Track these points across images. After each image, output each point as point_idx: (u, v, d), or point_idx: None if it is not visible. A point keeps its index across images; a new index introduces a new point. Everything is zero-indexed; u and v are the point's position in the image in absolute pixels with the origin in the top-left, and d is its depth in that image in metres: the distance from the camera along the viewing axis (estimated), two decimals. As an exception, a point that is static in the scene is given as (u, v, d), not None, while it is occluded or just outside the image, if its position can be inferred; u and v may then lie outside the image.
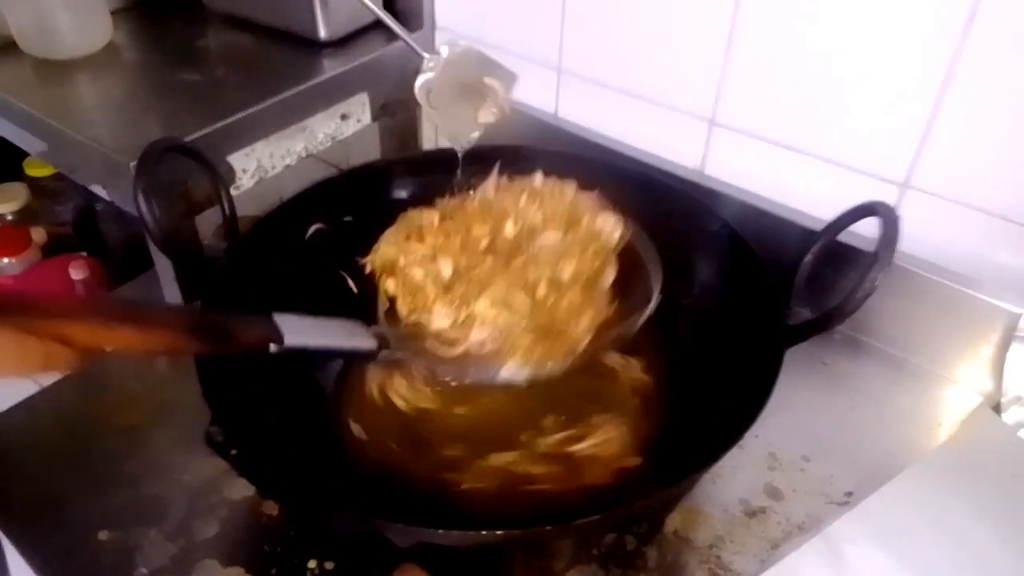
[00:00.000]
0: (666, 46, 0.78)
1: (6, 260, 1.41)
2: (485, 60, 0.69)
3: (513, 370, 0.59)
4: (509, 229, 0.64)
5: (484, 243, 0.63)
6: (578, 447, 0.61)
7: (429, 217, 0.66)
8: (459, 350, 0.59)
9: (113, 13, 0.92)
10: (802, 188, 0.76)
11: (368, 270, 0.65)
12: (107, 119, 0.81)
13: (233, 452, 0.58)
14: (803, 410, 0.68)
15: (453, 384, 0.66)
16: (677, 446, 0.59)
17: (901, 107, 0.67)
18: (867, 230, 0.69)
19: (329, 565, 0.56)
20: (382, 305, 0.64)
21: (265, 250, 0.69)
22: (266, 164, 0.85)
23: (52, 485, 0.62)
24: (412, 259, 0.63)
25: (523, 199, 0.66)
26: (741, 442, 0.52)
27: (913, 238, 0.69)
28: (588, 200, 0.67)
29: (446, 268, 0.62)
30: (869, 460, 0.64)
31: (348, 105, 0.91)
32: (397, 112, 1.00)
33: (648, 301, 0.61)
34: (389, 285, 0.64)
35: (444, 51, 0.67)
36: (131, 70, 0.90)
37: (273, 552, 0.57)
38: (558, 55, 0.87)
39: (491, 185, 0.68)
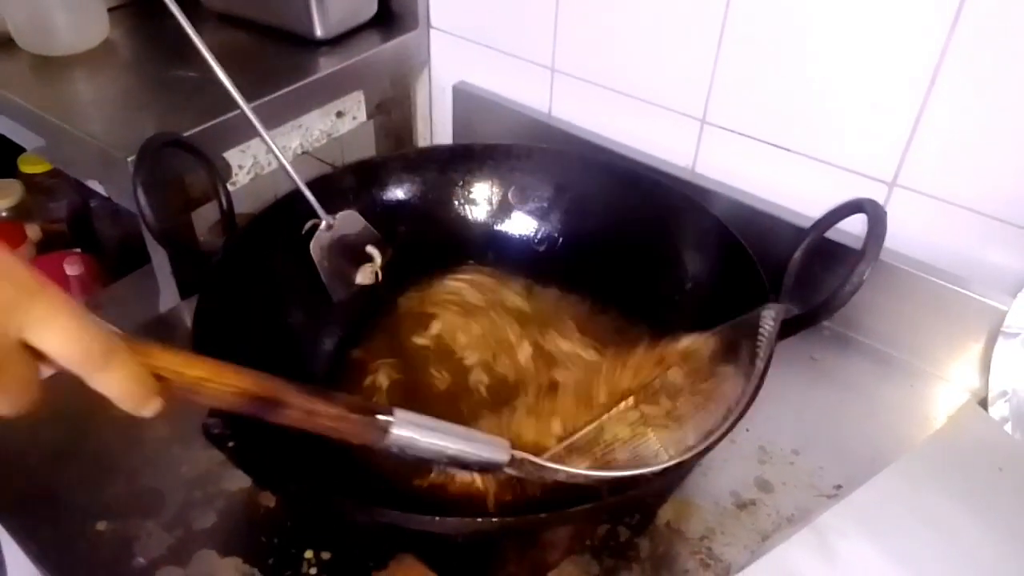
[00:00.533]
0: (658, 46, 0.79)
1: (0, 256, 1.41)
2: (369, 230, 0.75)
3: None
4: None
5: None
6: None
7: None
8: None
9: (109, 10, 0.93)
10: (792, 187, 0.77)
11: None
12: (104, 115, 0.81)
13: (230, 444, 0.58)
14: (793, 405, 0.69)
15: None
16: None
17: (889, 106, 0.68)
18: (854, 228, 0.70)
19: (326, 555, 0.57)
20: None
21: (262, 245, 0.69)
22: (262, 161, 0.86)
23: (50, 477, 0.62)
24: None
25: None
26: (732, 436, 0.53)
27: (901, 236, 0.70)
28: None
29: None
30: (858, 454, 0.65)
31: (344, 103, 0.92)
32: (392, 110, 1.01)
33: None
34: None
35: (338, 216, 0.72)
36: (127, 67, 0.90)
37: (270, 542, 0.58)
38: (551, 55, 0.88)
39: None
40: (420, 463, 0.53)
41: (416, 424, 0.46)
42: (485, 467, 0.50)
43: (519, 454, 0.50)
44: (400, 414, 0.46)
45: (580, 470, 0.53)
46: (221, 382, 0.42)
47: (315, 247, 0.71)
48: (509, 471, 0.51)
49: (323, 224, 0.71)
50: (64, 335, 0.36)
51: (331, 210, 0.73)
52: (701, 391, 0.59)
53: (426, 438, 0.47)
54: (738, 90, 0.76)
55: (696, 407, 0.58)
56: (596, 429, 0.60)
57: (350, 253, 0.74)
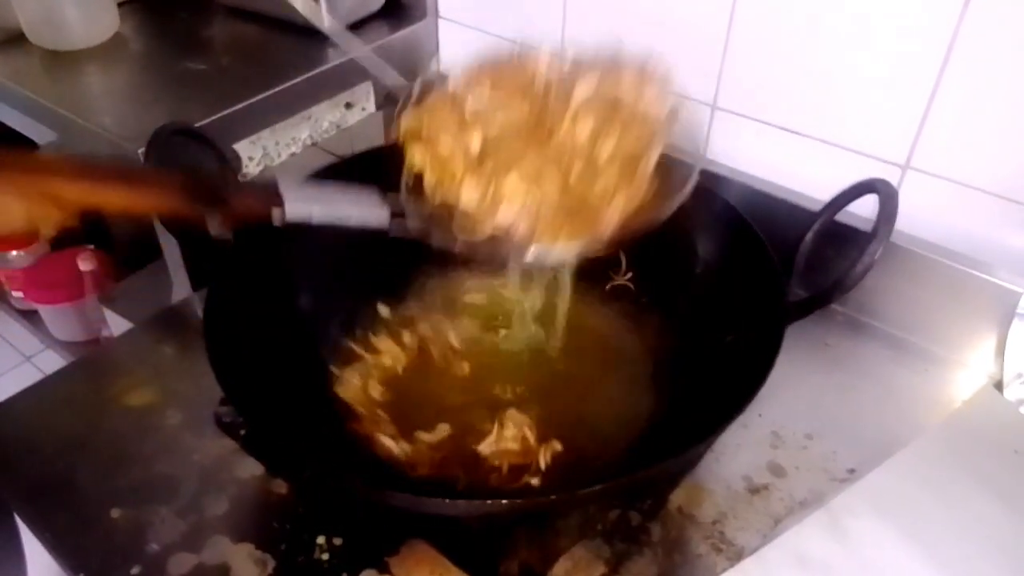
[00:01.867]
0: (668, 32, 0.79)
1: (15, 253, 1.42)
2: None
3: (540, 252, 0.55)
4: (549, 107, 0.59)
5: (520, 117, 0.58)
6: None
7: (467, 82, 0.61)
8: (485, 231, 0.56)
9: (119, 5, 0.94)
10: (804, 171, 0.76)
11: (395, 137, 0.60)
12: (115, 108, 0.82)
13: (242, 432, 0.59)
14: (806, 390, 0.69)
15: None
16: (680, 422, 0.59)
17: (901, 88, 0.68)
18: (865, 211, 0.69)
19: (337, 541, 0.57)
20: (406, 177, 0.60)
21: (273, 235, 0.69)
22: (272, 152, 0.86)
23: (63, 465, 0.63)
24: (441, 127, 0.58)
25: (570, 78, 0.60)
26: (744, 420, 0.53)
27: (914, 219, 0.69)
28: (637, 76, 0.60)
29: (476, 140, 0.57)
30: (871, 438, 0.65)
31: (352, 94, 0.92)
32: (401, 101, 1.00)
33: (684, 185, 0.57)
34: (416, 154, 0.59)
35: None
36: (138, 60, 0.91)
37: (282, 528, 0.58)
38: (561, 42, 0.87)
39: (542, 61, 0.61)
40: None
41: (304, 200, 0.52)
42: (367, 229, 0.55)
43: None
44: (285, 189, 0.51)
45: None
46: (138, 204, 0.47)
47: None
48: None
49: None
50: None
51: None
52: None
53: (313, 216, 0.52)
54: (749, 74, 0.76)
55: None
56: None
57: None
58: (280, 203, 0.50)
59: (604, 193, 0.56)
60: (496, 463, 0.61)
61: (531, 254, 0.55)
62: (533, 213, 0.55)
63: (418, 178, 0.59)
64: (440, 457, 0.62)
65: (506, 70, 0.60)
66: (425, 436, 0.63)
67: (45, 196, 0.42)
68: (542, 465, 0.60)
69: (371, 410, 0.65)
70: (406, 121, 0.60)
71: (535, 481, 0.60)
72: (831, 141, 0.74)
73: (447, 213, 0.57)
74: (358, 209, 0.55)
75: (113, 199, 0.46)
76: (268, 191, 0.50)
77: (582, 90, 0.58)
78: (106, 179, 0.45)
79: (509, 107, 0.58)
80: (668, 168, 0.58)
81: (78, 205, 0.44)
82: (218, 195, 0.49)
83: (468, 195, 0.56)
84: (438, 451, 0.62)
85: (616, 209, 0.56)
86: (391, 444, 0.62)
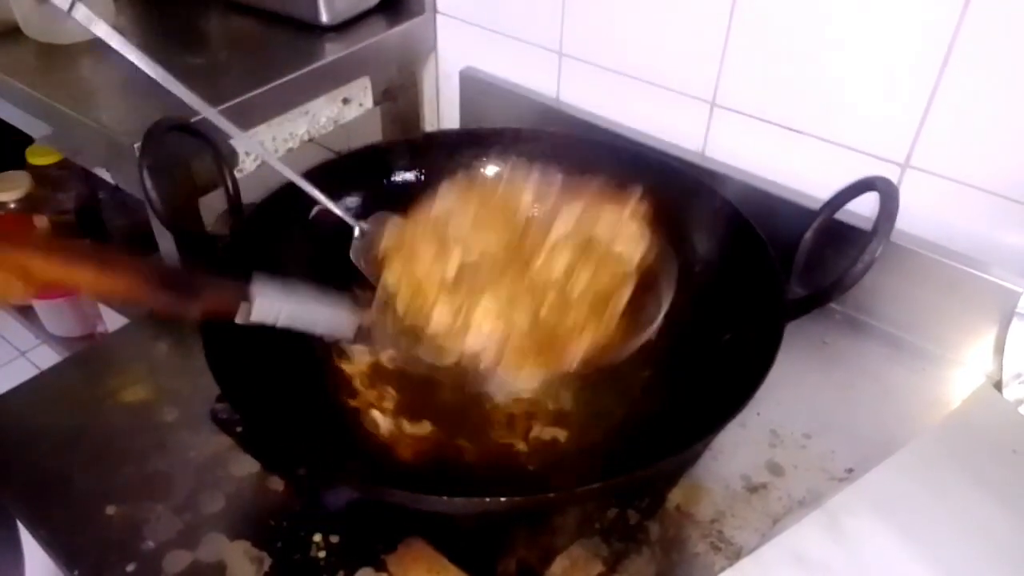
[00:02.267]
0: (667, 29, 0.79)
1: (9, 248, 1.41)
2: None
3: (502, 379, 0.59)
4: (528, 238, 0.63)
5: (498, 246, 0.62)
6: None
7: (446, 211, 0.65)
8: (452, 358, 0.59)
9: (115, -2, 0.93)
10: (803, 169, 0.76)
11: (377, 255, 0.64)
12: (110, 102, 0.81)
13: (238, 429, 0.59)
14: (804, 389, 0.69)
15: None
16: (679, 420, 0.59)
17: (901, 87, 0.67)
18: (864, 210, 0.69)
19: (334, 539, 0.57)
20: (381, 295, 0.62)
21: (269, 230, 0.69)
22: (269, 147, 0.86)
23: (59, 462, 0.62)
24: (421, 248, 0.61)
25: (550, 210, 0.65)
26: (742, 419, 0.53)
27: (914, 217, 0.69)
28: (616, 215, 0.64)
29: (453, 265, 0.60)
30: (869, 437, 0.64)
31: (350, 89, 0.92)
32: (399, 96, 1.00)
33: (650, 324, 0.60)
34: (391, 276, 0.62)
35: (369, 220, 0.70)
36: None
37: (279, 526, 0.57)
38: (559, 38, 0.87)
39: (528, 191, 0.66)
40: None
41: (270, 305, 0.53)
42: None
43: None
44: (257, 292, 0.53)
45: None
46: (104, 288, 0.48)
47: (356, 257, 0.69)
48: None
49: (356, 232, 0.70)
50: None
51: (340, 196, 0.73)
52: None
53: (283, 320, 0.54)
54: (748, 72, 0.75)
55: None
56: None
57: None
58: (248, 301, 0.52)
59: (573, 327, 0.58)
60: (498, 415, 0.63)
61: (494, 383, 0.60)
62: (501, 342, 0.57)
63: (392, 297, 0.61)
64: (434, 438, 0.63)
65: (490, 198, 0.65)
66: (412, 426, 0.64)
67: (14, 269, 0.43)
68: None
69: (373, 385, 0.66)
70: (388, 238, 0.64)
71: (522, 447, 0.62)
72: (830, 139, 0.73)
73: (416, 335, 0.59)
74: (326, 319, 0.57)
75: (82, 280, 0.47)
76: (239, 289, 0.52)
77: (561, 226, 0.62)
78: (77, 260, 0.46)
79: (489, 235, 0.62)
80: (644, 301, 0.61)
81: (45, 281, 0.44)
82: (187, 288, 0.51)
83: (439, 318, 0.58)
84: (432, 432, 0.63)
85: (582, 344, 0.58)
86: (381, 420, 0.63)
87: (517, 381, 0.59)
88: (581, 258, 0.61)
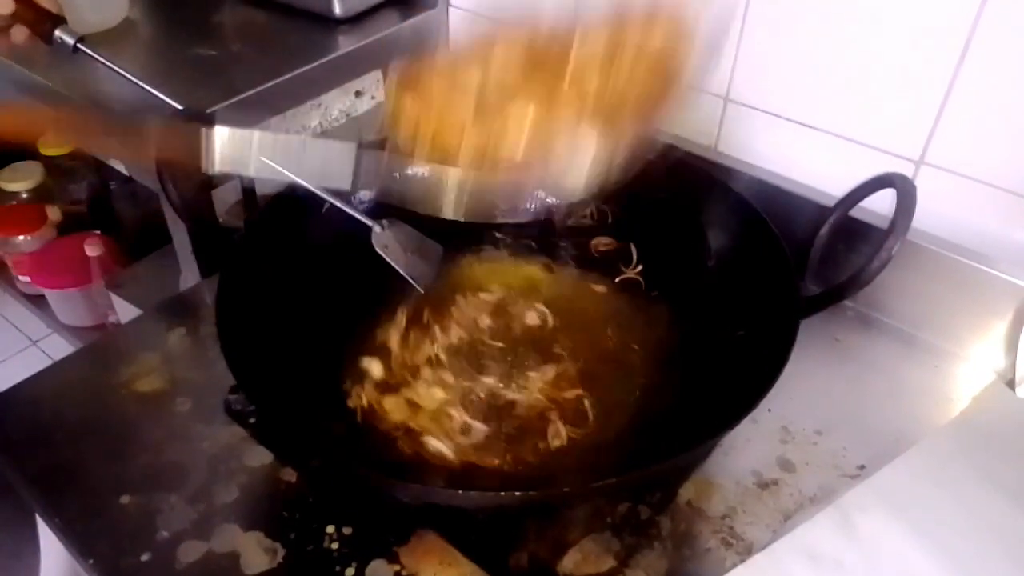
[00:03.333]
0: (681, 23, 0.78)
1: (22, 238, 1.42)
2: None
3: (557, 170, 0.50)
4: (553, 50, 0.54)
5: (521, 57, 0.53)
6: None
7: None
8: (497, 168, 0.51)
9: (129, -11, 0.93)
10: (817, 166, 0.76)
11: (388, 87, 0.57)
12: (125, 93, 0.81)
13: (252, 420, 0.59)
14: (816, 385, 0.68)
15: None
16: (691, 416, 0.59)
17: (916, 84, 0.67)
18: (879, 207, 0.69)
19: (347, 530, 0.57)
20: (392, 139, 0.55)
21: (284, 222, 0.69)
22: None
23: (73, 452, 0.63)
24: (437, 76, 0.53)
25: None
26: (753, 415, 0.53)
27: (927, 215, 0.69)
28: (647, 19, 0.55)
29: (472, 89, 0.52)
30: (881, 434, 0.64)
31: (362, 82, 0.92)
32: (411, 90, 1.00)
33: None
34: (403, 114, 0.54)
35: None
36: (147, 45, 0.91)
37: (292, 517, 0.58)
38: (573, 32, 0.87)
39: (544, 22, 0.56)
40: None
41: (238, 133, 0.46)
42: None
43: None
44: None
45: None
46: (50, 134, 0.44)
47: (380, 246, 0.66)
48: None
49: (376, 228, 0.67)
50: None
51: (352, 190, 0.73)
52: None
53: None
54: (762, 66, 0.75)
55: None
56: None
57: (413, 244, 0.69)
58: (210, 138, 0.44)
59: (630, 87, 0.51)
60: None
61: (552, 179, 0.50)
62: (546, 135, 0.50)
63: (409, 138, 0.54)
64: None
65: (505, 31, 0.57)
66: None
67: None
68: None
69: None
70: (394, 72, 0.55)
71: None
72: (845, 135, 0.73)
73: (446, 163, 0.52)
74: (313, 159, 0.49)
75: (38, 125, 0.44)
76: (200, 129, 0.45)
77: (586, 26, 0.54)
78: (32, 111, 0.44)
79: (508, 54, 0.54)
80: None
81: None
82: (144, 132, 0.45)
83: (471, 142, 0.51)
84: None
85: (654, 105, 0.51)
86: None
87: (576, 158, 0.50)
88: (621, 36, 0.53)
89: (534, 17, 0.57)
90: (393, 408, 0.58)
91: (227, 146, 0.46)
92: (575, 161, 0.51)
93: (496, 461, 0.59)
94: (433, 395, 0.60)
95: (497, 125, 0.51)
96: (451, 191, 0.53)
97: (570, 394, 0.65)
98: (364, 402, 0.58)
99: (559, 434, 0.62)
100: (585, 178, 0.52)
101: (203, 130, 0.45)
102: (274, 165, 0.47)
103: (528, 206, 0.55)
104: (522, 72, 0.53)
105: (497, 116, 0.51)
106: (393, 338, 0.68)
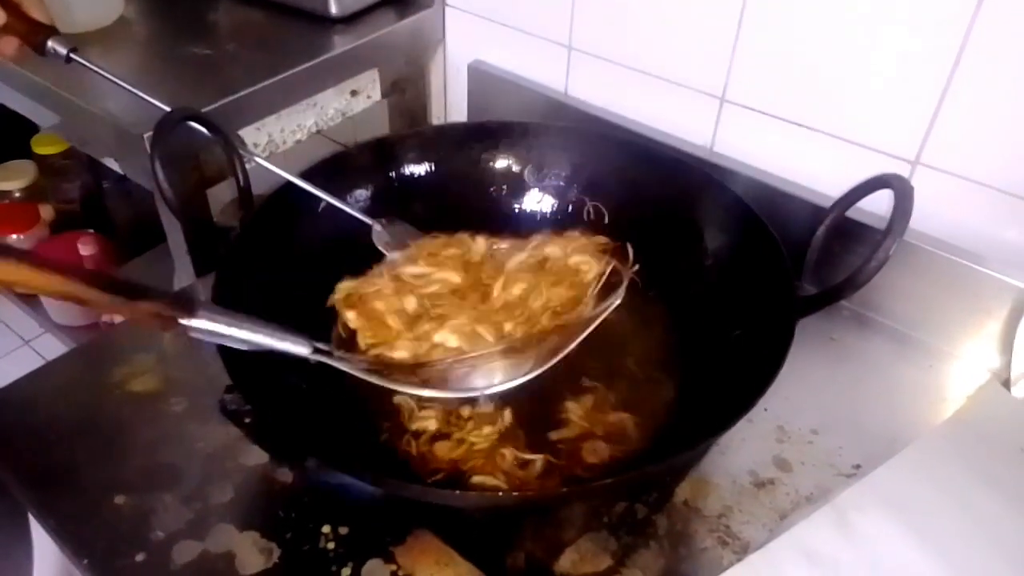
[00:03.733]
0: (677, 24, 0.78)
1: (15, 236, 1.42)
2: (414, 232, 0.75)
3: (485, 381, 0.58)
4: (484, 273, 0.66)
5: (454, 282, 0.65)
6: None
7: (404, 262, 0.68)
8: (423, 376, 0.59)
9: (124, -12, 0.92)
10: (813, 166, 0.76)
11: (330, 304, 0.66)
12: (119, 92, 0.81)
13: (247, 420, 0.59)
14: (812, 385, 0.69)
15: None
16: (689, 416, 0.59)
17: (912, 84, 0.67)
18: (876, 207, 0.69)
19: (343, 530, 0.57)
20: (339, 335, 0.64)
21: (279, 221, 0.69)
22: (277, 139, 0.86)
23: (67, 452, 0.62)
24: (378, 293, 0.64)
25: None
26: (750, 415, 0.53)
27: (923, 215, 0.69)
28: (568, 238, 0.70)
29: (411, 302, 0.63)
30: (877, 434, 0.64)
31: (358, 81, 0.92)
32: (407, 89, 1.00)
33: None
34: (350, 317, 0.64)
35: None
36: (142, 44, 0.90)
37: (288, 517, 0.57)
38: (568, 32, 0.87)
39: (481, 241, 0.71)
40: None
41: (214, 321, 0.51)
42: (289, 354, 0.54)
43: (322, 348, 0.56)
44: (202, 313, 0.50)
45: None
46: (29, 286, 0.47)
47: (382, 243, 0.72)
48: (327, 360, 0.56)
49: (376, 225, 0.72)
50: None
51: (346, 189, 0.73)
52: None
53: (225, 331, 0.51)
54: (758, 68, 0.75)
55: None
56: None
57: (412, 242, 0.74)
58: (191, 313, 0.50)
59: (540, 335, 0.60)
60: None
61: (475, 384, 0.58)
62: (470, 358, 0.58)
63: (351, 336, 0.64)
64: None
65: (443, 247, 0.69)
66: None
67: None
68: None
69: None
70: (341, 287, 0.66)
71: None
72: (841, 136, 0.73)
73: (381, 366, 0.60)
74: (278, 338, 0.54)
75: (20, 278, 0.47)
76: (182, 300, 0.50)
77: (516, 258, 0.67)
78: (19, 259, 0.46)
79: (446, 273, 0.66)
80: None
81: None
82: (126, 290, 0.49)
83: (404, 349, 0.60)
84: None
85: (554, 344, 0.59)
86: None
87: (492, 386, 0.58)
88: (539, 277, 0.64)
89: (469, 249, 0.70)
90: (444, 451, 0.60)
91: (203, 336, 0.51)
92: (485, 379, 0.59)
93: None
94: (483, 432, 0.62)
95: (424, 346, 0.60)
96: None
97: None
98: (415, 450, 0.60)
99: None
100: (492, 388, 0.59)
101: (183, 324, 0.50)
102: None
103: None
104: (451, 304, 0.64)
105: (425, 342, 0.60)
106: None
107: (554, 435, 0.60)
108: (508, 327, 0.61)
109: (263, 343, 0.53)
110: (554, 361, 0.57)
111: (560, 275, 0.66)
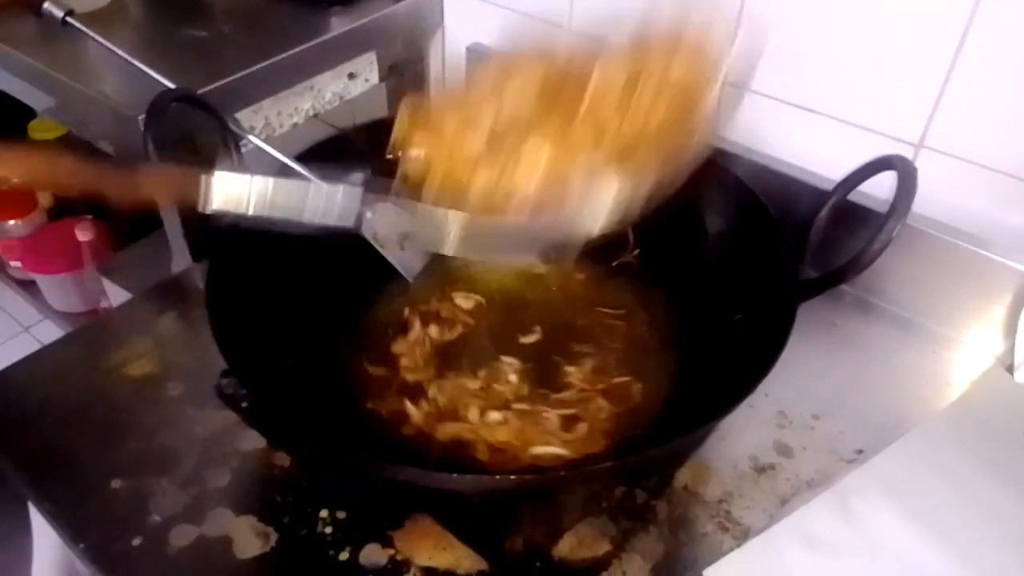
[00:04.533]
0: (678, 3, 0.77)
1: (12, 222, 1.41)
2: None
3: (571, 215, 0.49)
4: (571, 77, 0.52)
5: (537, 88, 0.51)
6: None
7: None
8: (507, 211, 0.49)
9: (118, -31, 0.91)
10: (815, 149, 0.75)
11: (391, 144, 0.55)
12: (114, 74, 0.80)
13: (244, 404, 0.58)
14: (813, 370, 0.68)
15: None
16: (690, 400, 0.59)
17: (916, 67, 0.66)
18: (878, 191, 0.68)
19: (341, 515, 0.57)
20: (400, 178, 0.53)
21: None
22: (274, 122, 0.85)
23: (64, 436, 0.62)
24: (448, 113, 0.52)
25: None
26: (751, 400, 0.52)
27: (927, 199, 0.68)
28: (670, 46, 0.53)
29: (485, 125, 0.50)
30: (879, 419, 0.64)
31: (355, 64, 0.91)
32: (405, 72, 0.99)
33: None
34: (414, 152, 0.52)
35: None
36: (137, 26, 0.89)
37: (285, 501, 0.57)
38: (568, 12, 0.86)
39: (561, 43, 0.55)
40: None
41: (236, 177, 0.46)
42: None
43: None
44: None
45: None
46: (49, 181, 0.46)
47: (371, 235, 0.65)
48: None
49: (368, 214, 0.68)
50: None
51: (342, 172, 0.72)
52: None
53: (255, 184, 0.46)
54: (760, 50, 0.74)
55: None
56: None
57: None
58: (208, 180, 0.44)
59: (656, 130, 0.50)
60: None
61: (562, 224, 0.50)
62: (561, 175, 0.49)
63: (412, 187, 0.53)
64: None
65: (517, 57, 0.55)
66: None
67: None
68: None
69: None
70: (405, 110, 0.54)
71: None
72: (844, 119, 0.72)
73: (457, 205, 0.51)
74: (315, 201, 0.48)
75: (29, 169, 0.46)
76: (198, 172, 0.45)
77: (606, 58, 0.52)
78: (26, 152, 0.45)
79: (523, 87, 0.52)
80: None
81: None
82: (141, 176, 0.46)
83: (483, 179, 0.50)
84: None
85: (670, 144, 0.50)
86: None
87: (593, 199, 0.49)
88: (642, 73, 0.51)
89: (551, 45, 0.55)
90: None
91: (225, 190, 0.46)
92: (591, 203, 0.50)
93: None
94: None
95: (510, 165, 0.50)
96: (458, 232, 0.52)
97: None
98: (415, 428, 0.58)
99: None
100: (602, 220, 0.51)
101: (202, 177, 0.45)
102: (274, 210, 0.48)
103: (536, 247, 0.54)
104: (538, 108, 0.51)
105: (511, 155, 0.50)
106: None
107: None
108: (609, 133, 0.49)
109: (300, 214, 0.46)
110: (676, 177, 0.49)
111: (668, 67, 0.52)
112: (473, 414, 0.61)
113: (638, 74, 0.50)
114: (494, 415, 0.61)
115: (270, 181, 0.46)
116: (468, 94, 0.53)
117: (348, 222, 0.50)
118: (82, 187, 0.47)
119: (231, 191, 0.45)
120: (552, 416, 0.61)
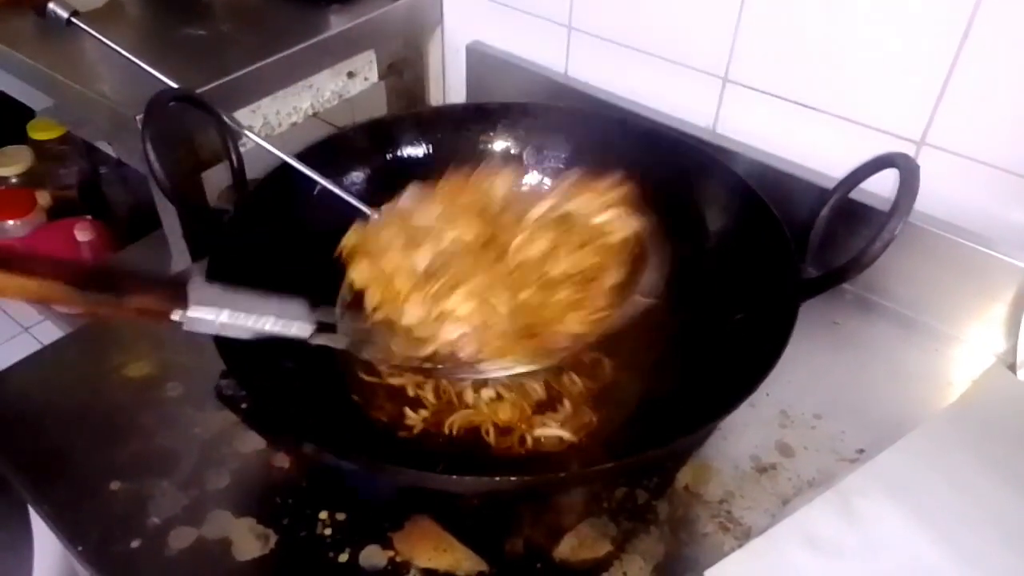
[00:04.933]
0: (679, 2, 0.77)
1: (11, 222, 1.41)
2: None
3: (488, 370, 0.56)
4: (503, 225, 0.60)
5: (471, 235, 0.59)
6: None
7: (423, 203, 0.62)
8: (428, 350, 0.55)
9: (116, -32, 0.91)
10: (817, 147, 0.75)
11: (338, 253, 0.61)
12: (112, 74, 0.80)
13: (243, 406, 0.58)
14: (815, 369, 0.68)
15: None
16: (689, 400, 0.58)
17: (918, 64, 0.66)
18: (879, 189, 0.68)
19: (340, 516, 0.56)
20: (344, 293, 0.60)
21: (274, 204, 0.68)
22: (272, 121, 0.85)
23: (63, 438, 0.62)
24: (388, 244, 0.59)
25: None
26: (752, 399, 0.52)
27: (928, 196, 0.67)
28: (596, 194, 0.62)
29: (423, 259, 0.57)
30: (881, 418, 0.64)
31: (355, 63, 0.90)
32: (404, 71, 0.99)
33: (643, 293, 0.58)
34: (357, 274, 0.59)
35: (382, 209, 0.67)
36: (135, 25, 0.89)
37: (285, 503, 0.57)
38: (568, 11, 0.85)
39: (501, 184, 0.63)
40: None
41: (208, 307, 0.49)
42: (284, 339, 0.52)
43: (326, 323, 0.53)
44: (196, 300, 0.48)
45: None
46: (14, 289, 0.44)
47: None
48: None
49: (373, 216, 0.69)
50: None
51: (342, 171, 0.72)
52: None
53: (221, 319, 0.49)
54: (761, 47, 0.74)
55: None
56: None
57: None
58: (184, 305, 0.48)
59: (557, 310, 0.56)
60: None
61: (477, 371, 0.55)
62: (481, 330, 0.54)
63: (356, 296, 0.59)
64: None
65: (459, 191, 0.62)
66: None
67: None
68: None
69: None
70: (349, 237, 0.60)
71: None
72: (845, 116, 0.72)
73: (389, 329, 0.56)
74: (277, 319, 0.51)
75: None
76: (172, 289, 0.48)
77: (538, 209, 0.59)
78: None
79: (460, 224, 0.58)
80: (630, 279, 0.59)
81: None
82: (115, 289, 0.47)
83: (413, 310, 0.55)
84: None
85: (571, 325, 0.56)
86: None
87: (500, 371, 0.56)
88: (562, 237, 0.58)
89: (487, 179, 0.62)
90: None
91: (199, 318, 0.49)
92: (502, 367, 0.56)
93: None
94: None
95: (435, 310, 0.55)
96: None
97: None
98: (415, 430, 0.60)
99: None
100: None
101: (177, 312, 0.49)
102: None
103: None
104: (468, 260, 0.57)
105: (436, 301, 0.55)
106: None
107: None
108: (524, 295, 0.56)
109: (262, 330, 0.50)
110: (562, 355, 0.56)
111: (584, 235, 0.59)
112: (470, 396, 0.62)
113: (550, 254, 0.57)
114: (486, 392, 0.62)
115: (239, 321, 0.51)
116: (412, 228, 0.59)
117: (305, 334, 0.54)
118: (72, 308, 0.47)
119: (204, 319, 0.49)
120: (537, 387, 0.63)
